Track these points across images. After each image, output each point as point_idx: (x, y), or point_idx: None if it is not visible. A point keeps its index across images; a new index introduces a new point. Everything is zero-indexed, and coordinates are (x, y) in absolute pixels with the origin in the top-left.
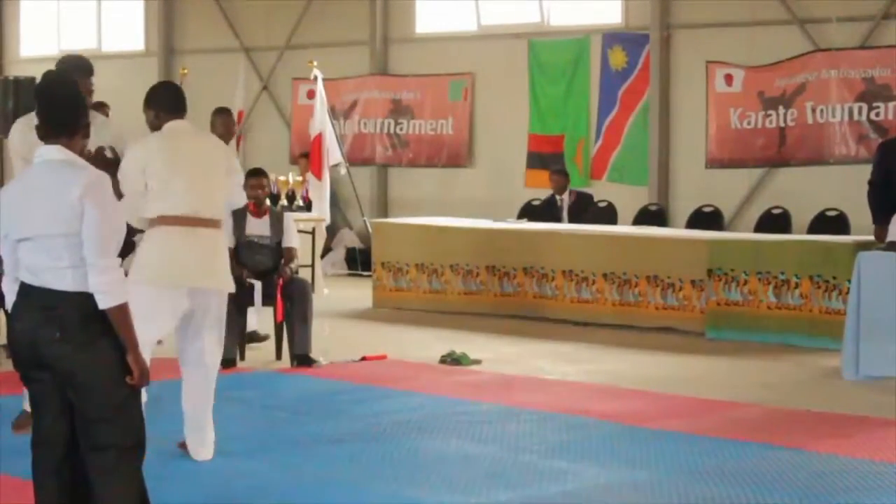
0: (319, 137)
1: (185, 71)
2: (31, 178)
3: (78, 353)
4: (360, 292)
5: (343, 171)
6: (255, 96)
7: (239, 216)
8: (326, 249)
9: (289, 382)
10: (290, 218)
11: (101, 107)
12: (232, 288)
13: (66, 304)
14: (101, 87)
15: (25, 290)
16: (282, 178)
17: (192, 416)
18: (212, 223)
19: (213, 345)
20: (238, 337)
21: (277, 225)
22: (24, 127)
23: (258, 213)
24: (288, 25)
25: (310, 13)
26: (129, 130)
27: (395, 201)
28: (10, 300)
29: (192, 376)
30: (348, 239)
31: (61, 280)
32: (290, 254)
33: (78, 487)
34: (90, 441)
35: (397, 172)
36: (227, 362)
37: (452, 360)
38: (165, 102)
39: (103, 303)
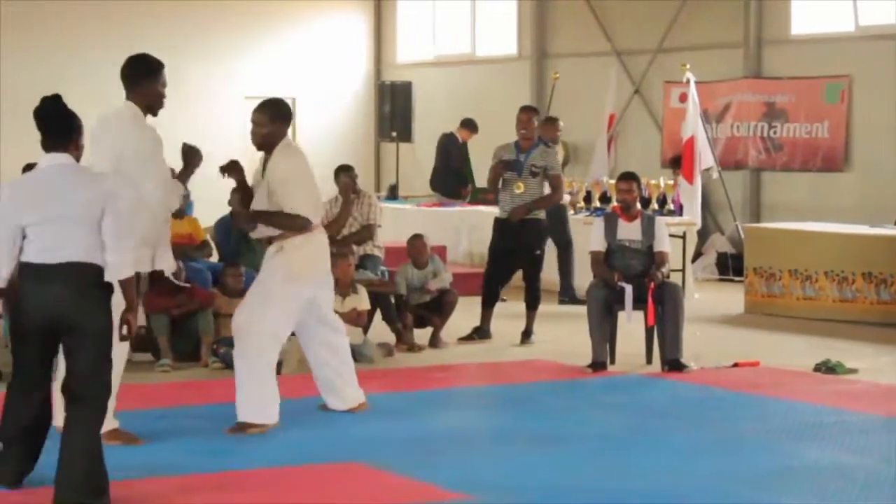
0: (692, 141)
1: (557, 75)
2: (45, 177)
3: (84, 310)
4: (731, 297)
5: (715, 175)
6: (626, 100)
7: (611, 220)
8: (697, 254)
9: (659, 387)
10: (661, 222)
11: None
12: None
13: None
14: (474, 91)
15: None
16: (653, 181)
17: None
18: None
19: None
20: (608, 340)
21: (649, 229)
22: None
23: (629, 217)
24: (661, 28)
25: (683, 15)
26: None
27: (768, 206)
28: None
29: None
30: (720, 244)
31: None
32: (661, 258)
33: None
34: (74, 384)
35: (770, 176)
36: (598, 365)
37: (827, 368)
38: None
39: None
